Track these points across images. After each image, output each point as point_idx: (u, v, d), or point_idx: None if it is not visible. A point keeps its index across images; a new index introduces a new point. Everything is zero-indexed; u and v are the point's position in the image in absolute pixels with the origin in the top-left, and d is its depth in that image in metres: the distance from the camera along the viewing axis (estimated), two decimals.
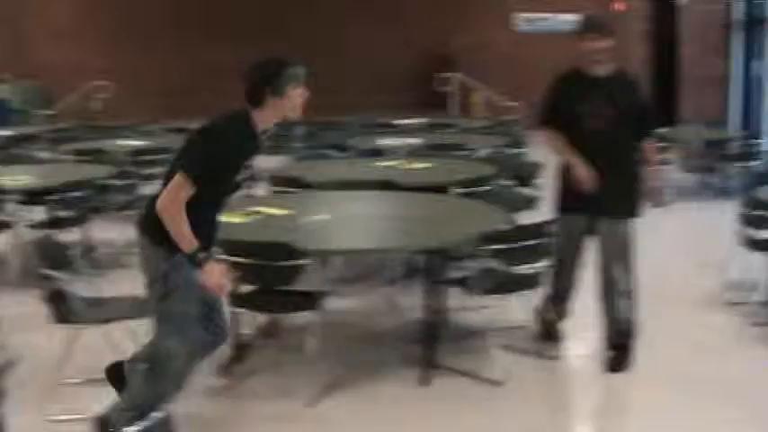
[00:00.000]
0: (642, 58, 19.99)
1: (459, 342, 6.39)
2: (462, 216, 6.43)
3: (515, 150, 11.06)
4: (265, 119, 4.71)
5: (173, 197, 4.50)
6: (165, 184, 4.57)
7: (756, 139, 13.81)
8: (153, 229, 4.58)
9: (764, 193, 7.25)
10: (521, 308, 6.39)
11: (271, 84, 4.62)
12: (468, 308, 6.45)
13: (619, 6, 21.62)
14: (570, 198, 6.06)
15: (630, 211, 6.03)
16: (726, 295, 7.47)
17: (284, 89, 4.63)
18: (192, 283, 4.58)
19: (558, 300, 6.38)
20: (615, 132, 5.94)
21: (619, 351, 6.05)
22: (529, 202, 8.20)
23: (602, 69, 5.99)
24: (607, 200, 5.88)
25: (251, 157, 4.99)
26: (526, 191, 8.55)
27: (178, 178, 4.50)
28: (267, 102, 4.64)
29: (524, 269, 5.87)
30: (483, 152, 10.67)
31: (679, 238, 10.04)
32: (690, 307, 7.37)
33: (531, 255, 5.79)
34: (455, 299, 6.35)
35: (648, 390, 5.73)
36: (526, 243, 5.70)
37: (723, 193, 12.90)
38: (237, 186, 5.89)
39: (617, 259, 6.02)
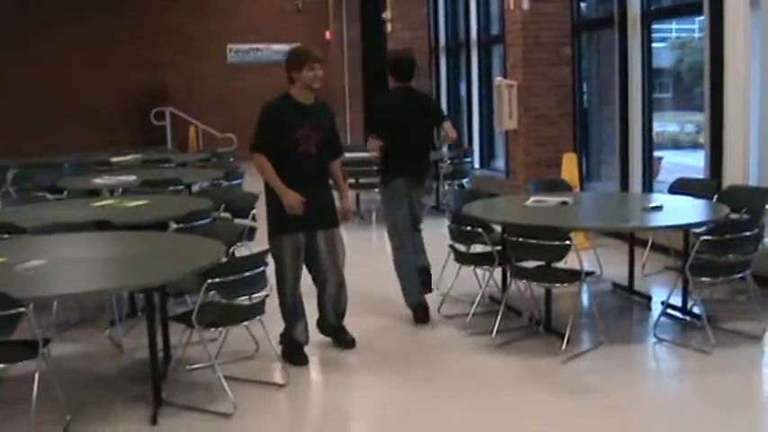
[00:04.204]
0: (349, 84, 20.65)
1: (186, 377, 6.40)
2: (180, 252, 6.43)
3: (231, 182, 11.17)
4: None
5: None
6: None
7: (465, 158, 14.40)
8: None
9: (469, 210, 7.59)
10: (247, 338, 6.50)
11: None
12: (192, 342, 6.43)
13: (329, 34, 22.13)
14: (286, 219, 6.42)
15: (337, 221, 6.77)
16: (443, 309, 7.81)
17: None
18: None
19: (294, 317, 6.69)
20: (321, 154, 6.57)
21: (342, 331, 6.99)
22: (246, 233, 8.24)
23: (309, 98, 6.54)
24: (321, 215, 6.61)
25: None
26: (243, 222, 8.60)
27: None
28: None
29: (245, 300, 6.00)
30: (199, 186, 10.72)
31: None
32: (408, 320, 7.68)
33: (251, 285, 5.91)
34: (178, 335, 6.36)
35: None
36: (246, 275, 5.81)
37: (439, 210, 13.42)
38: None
39: (340, 261, 6.77)
